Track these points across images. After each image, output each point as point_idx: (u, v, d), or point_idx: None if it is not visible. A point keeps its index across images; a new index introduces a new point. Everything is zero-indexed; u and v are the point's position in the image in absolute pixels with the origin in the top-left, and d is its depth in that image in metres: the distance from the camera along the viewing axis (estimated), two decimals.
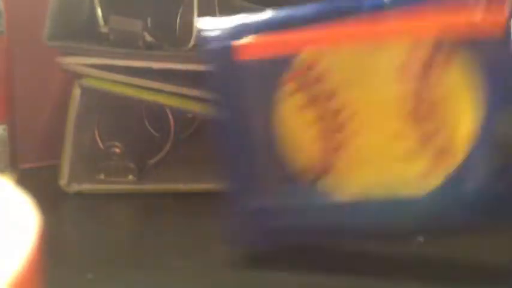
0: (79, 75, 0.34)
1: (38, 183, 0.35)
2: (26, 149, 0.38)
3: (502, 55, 0.24)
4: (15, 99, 0.36)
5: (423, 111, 0.25)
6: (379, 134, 0.25)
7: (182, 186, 0.36)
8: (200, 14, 0.38)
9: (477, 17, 0.24)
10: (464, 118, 0.24)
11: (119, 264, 0.27)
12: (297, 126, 0.26)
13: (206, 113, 0.34)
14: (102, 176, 0.35)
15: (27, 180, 0.30)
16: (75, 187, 0.35)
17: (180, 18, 0.44)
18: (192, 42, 0.38)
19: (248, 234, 0.27)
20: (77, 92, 0.34)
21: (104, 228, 0.31)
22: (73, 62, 0.34)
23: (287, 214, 0.26)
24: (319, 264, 0.26)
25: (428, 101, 0.24)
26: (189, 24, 0.38)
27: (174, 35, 0.43)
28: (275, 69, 0.26)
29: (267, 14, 0.27)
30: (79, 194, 0.35)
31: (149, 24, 0.35)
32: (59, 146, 0.35)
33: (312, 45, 0.25)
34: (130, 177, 0.35)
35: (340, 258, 0.27)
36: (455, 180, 0.24)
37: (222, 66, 0.27)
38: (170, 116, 0.38)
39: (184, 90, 0.34)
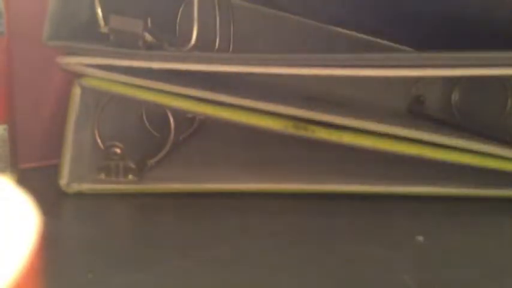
0: (79, 75, 0.34)
1: (38, 183, 0.35)
2: (26, 149, 0.38)
3: None
4: (15, 99, 0.36)
5: None
6: None
7: (182, 186, 0.36)
8: (200, 14, 0.38)
9: None
10: None
11: (119, 264, 0.27)
12: None
13: (206, 113, 0.34)
14: (102, 176, 0.35)
15: (27, 180, 0.30)
16: (75, 187, 0.35)
17: (180, 18, 0.44)
18: (192, 42, 0.38)
19: None
20: (77, 92, 0.34)
21: (104, 228, 0.31)
22: (73, 62, 0.34)
23: None
24: (324, 263, 0.26)
25: None
26: (189, 24, 0.38)
27: (174, 35, 0.43)
28: None
29: None
30: (79, 194, 0.35)
31: (149, 24, 0.35)
32: (59, 146, 0.35)
33: None
34: (130, 177, 0.35)
35: (339, 260, 0.27)
36: None
37: None
38: (170, 116, 0.38)
39: (184, 90, 0.34)
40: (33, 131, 0.39)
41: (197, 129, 0.47)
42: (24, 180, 0.34)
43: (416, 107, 0.51)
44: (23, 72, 0.37)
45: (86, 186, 0.35)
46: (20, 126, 0.36)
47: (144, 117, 0.43)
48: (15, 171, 0.35)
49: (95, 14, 0.35)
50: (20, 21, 0.36)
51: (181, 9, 0.45)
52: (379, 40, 0.52)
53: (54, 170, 0.35)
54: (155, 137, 0.42)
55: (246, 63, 0.33)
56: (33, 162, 0.39)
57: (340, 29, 0.52)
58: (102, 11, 0.35)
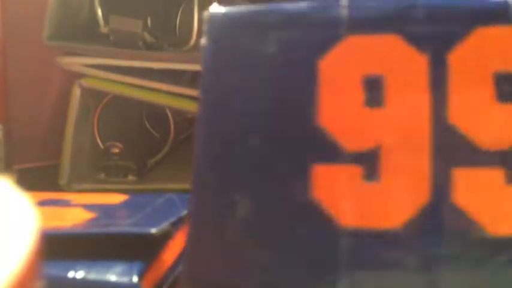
0: (79, 75, 0.34)
1: (38, 183, 0.35)
2: (26, 149, 0.38)
3: None
4: (12, 99, 0.36)
5: None
6: None
7: (182, 186, 0.36)
8: (200, 14, 0.38)
9: None
10: None
11: None
12: None
13: None
14: (102, 176, 0.35)
15: (26, 180, 0.30)
16: (75, 187, 0.35)
17: (180, 18, 0.44)
18: (192, 42, 0.38)
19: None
20: (77, 92, 0.34)
21: None
22: (73, 62, 0.34)
23: None
24: None
25: None
26: (189, 24, 0.38)
27: (174, 35, 0.43)
28: None
29: None
30: None
31: (149, 24, 0.35)
32: (57, 146, 0.35)
33: None
34: (130, 177, 0.35)
35: None
36: None
37: None
38: (170, 116, 0.38)
39: (184, 90, 0.34)
40: (33, 130, 0.39)
41: None
42: (24, 180, 0.34)
43: None
44: (19, 73, 0.37)
45: (86, 186, 0.35)
46: (20, 126, 0.36)
47: (144, 117, 0.43)
48: (12, 172, 0.35)
49: (95, 14, 0.35)
50: (17, 22, 0.36)
51: (181, 9, 0.45)
52: None
53: (54, 170, 0.35)
54: (155, 137, 0.42)
55: None
56: (33, 162, 0.39)
57: None
58: (102, 11, 0.35)
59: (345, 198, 0.18)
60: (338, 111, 0.18)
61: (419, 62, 0.18)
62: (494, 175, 0.17)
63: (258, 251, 0.18)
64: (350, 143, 0.18)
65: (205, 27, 0.20)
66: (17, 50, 0.36)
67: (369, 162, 0.18)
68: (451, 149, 0.17)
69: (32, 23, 0.34)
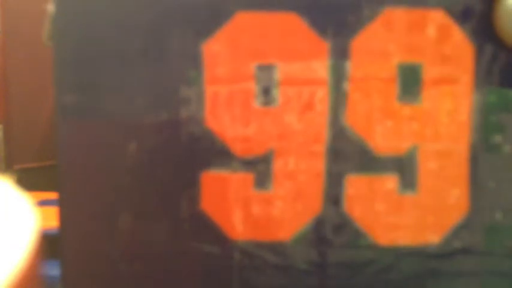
0: None
1: (38, 183, 0.35)
2: (26, 149, 0.38)
3: None
4: (15, 98, 0.36)
5: None
6: None
7: None
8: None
9: None
10: None
11: None
12: None
13: None
14: None
15: (26, 180, 0.30)
16: None
17: None
18: None
19: None
20: None
21: None
22: None
23: None
24: None
25: None
26: None
27: None
28: None
29: None
30: None
31: None
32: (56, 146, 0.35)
33: None
34: None
35: None
36: None
37: None
38: None
39: None
40: (33, 130, 0.39)
41: None
42: (23, 180, 0.34)
43: None
44: (19, 72, 0.37)
45: None
46: (20, 125, 0.36)
47: None
48: (12, 172, 0.35)
49: None
50: (16, 20, 0.36)
51: None
52: None
53: (52, 170, 0.35)
54: None
55: None
56: (32, 162, 0.39)
57: None
58: None
59: (235, 209, 0.16)
60: (225, 109, 0.16)
61: (318, 50, 0.16)
62: (388, 183, 0.16)
63: (139, 268, 0.16)
64: (240, 148, 0.16)
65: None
66: (17, 50, 0.36)
67: (260, 168, 0.16)
68: (346, 154, 0.16)
69: (33, 22, 0.34)
